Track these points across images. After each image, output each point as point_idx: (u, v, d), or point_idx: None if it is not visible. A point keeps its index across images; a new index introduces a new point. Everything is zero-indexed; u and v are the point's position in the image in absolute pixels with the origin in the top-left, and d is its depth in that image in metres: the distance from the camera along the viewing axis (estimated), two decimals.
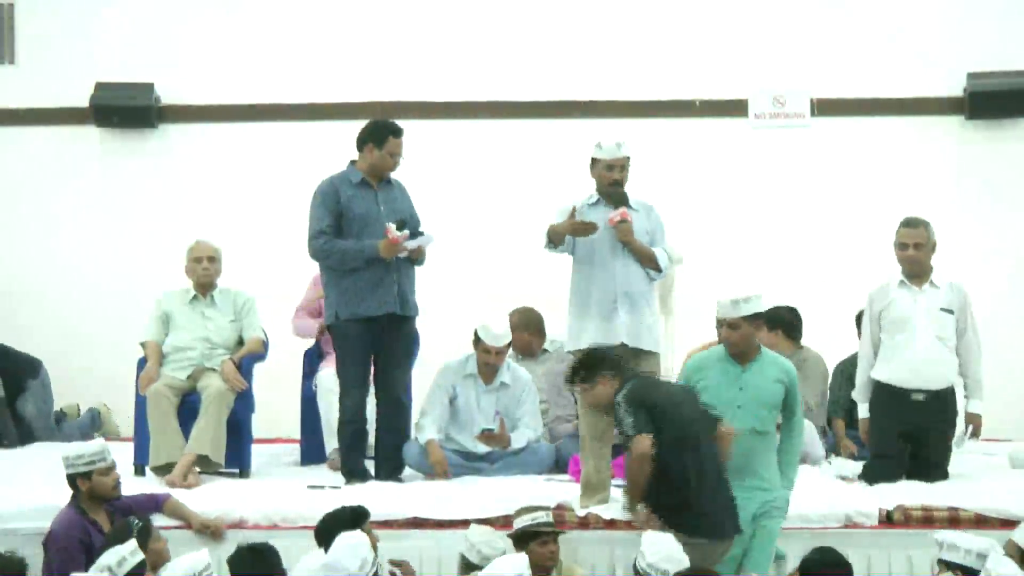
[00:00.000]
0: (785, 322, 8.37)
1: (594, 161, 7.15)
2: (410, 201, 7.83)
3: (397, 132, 7.72)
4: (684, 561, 5.67)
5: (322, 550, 6.02)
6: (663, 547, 5.73)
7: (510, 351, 8.19)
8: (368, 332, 7.64)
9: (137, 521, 6.28)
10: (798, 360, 8.25)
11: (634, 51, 10.06)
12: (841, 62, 10.03)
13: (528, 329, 8.48)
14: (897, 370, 7.54)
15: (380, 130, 7.72)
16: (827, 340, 8.83)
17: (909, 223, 7.69)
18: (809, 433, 8.06)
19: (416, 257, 7.68)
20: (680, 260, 8.51)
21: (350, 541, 5.83)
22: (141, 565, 5.87)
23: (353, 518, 6.39)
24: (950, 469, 7.63)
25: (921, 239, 7.61)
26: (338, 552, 5.77)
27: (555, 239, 7.08)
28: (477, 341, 7.91)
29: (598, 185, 7.16)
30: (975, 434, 7.65)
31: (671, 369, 8.51)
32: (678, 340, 8.95)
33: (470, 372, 7.98)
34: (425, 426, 7.84)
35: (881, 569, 6.75)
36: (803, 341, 8.54)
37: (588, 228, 7.00)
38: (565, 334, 7.29)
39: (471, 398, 7.95)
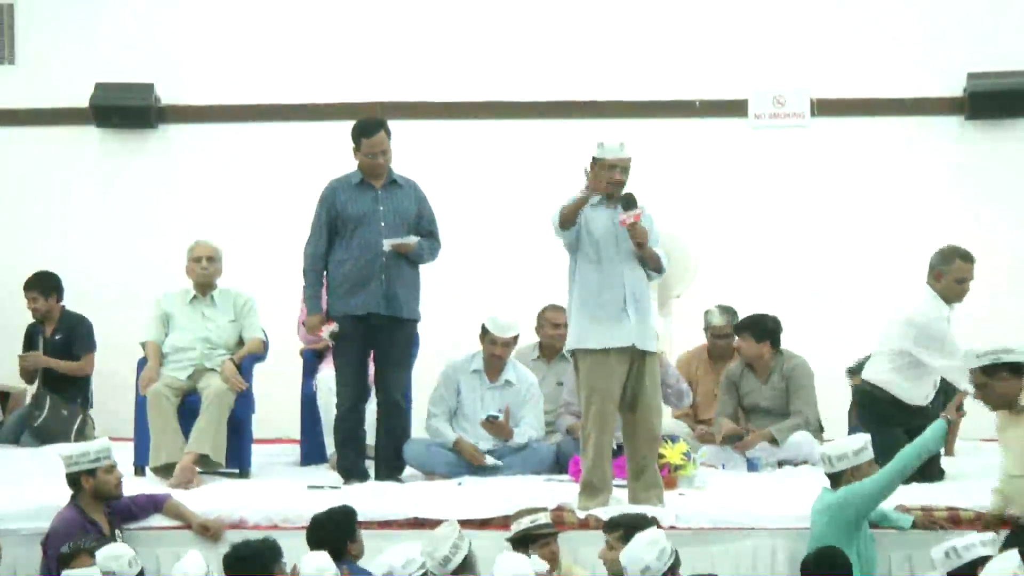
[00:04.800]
0: (772, 332, 8.37)
1: (595, 161, 7.02)
2: (417, 202, 7.76)
3: (368, 131, 7.65)
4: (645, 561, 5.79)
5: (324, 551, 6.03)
6: (633, 546, 5.84)
7: (537, 350, 8.39)
8: (361, 330, 7.65)
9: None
10: (788, 368, 8.27)
11: (634, 51, 10.06)
12: (841, 62, 10.03)
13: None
14: (920, 392, 7.56)
15: (353, 132, 7.70)
16: (826, 341, 8.84)
17: (969, 257, 7.54)
18: (808, 442, 8.08)
19: (405, 252, 7.65)
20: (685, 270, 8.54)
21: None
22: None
23: (343, 519, 6.40)
24: (951, 469, 7.65)
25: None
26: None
27: (570, 216, 6.88)
28: (484, 333, 7.92)
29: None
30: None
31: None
32: (677, 341, 8.95)
33: (475, 369, 7.99)
34: (440, 428, 7.86)
35: (882, 569, 6.73)
36: (797, 344, 8.51)
37: (610, 180, 6.90)
38: (569, 334, 7.17)
39: (475, 395, 7.97)
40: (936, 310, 7.49)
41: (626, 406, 7.04)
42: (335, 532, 6.34)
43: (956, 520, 6.80)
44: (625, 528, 6.19)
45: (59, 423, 8.95)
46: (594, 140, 7.12)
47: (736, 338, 8.39)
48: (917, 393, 7.54)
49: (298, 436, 8.55)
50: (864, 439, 6.57)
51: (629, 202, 6.90)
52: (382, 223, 7.61)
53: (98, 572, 5.79)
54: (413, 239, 7.63)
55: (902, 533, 6.77)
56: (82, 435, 8.87)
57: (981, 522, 6.73)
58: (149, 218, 10.15)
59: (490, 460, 7.76)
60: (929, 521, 6.79)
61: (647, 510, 6.71)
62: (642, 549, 5.84)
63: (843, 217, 9.91)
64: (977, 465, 7.88)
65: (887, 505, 6.72)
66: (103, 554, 5.91)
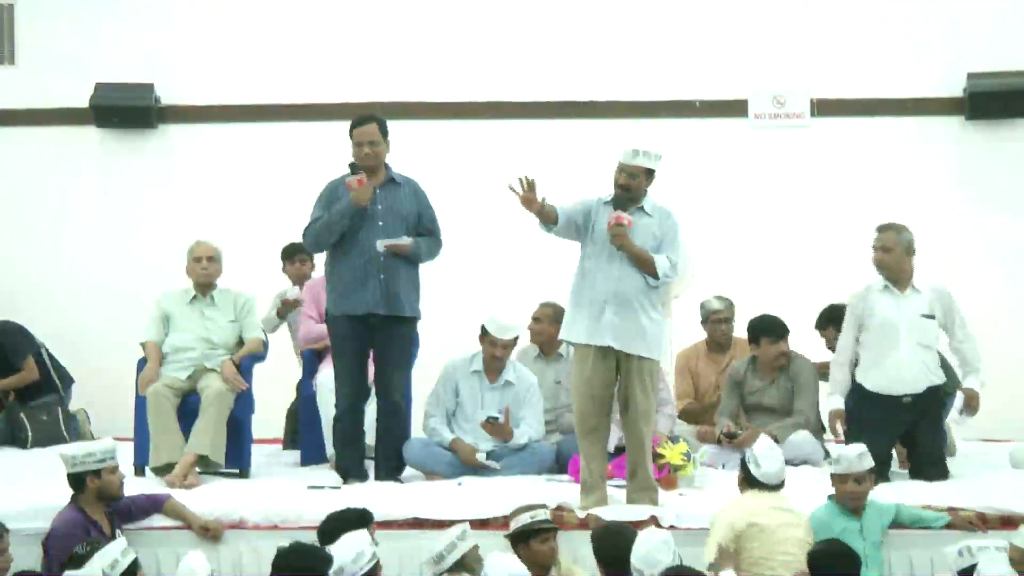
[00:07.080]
0: (788, 331, 8.38)
1: None
2: (416, 200, 7.76)
3: (357, 123, 7.67)
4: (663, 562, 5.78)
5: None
6: (645, 547, 5.84)
7: (537, 349, 8.34)
8: (359, 330, 7.64)
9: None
10: (795, 368, 8.27)
11: (634, 51, 10.07)
12: (841, 62, 10.04)
13: (558, 324, 8.33)
14: (882, 377, 7.55)
15: (349, 128, 7.73)
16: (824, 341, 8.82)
17: (879, 228, 7.67)
18: (809, 442, 8.08)
19: (403, 253, 7.66)
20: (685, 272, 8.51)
21: (352, 536, 5.91)
22: (134, 565, 5.88)
23: (358, 520, 6.40)
24: (950, 469, 7.64)
25: (890, 243, 7.59)
26: (338, 549, 5.84)
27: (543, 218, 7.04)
28: (484, 334, 7.91)
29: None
30: (970, 407, 7.56)
31: (667, 371, 8.51)
32: (675, 341, 8.94)
33: (475, 369, 7.98)
34: (438, 428, 7.86)
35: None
36: (797, 344, 8.50)
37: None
38: (563, 323, 7.28)
39: (475, 395, 7.96)
40: (856, 294, 7.76)
41: (622, 408, 7.08)
42: (343, 530, 6.32)
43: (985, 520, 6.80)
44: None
45: (45, 429, 8.92)
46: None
47: (782, 343, 8.34)
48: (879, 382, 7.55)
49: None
50: (864, 446, 6.57)
51: (616, 204, 7.03)
52: (380, 222, 7.61)
53: (99, 572, 5.79)
54: (407, 240, 7.62)
55: (903, 534, 6.76)
56: (76, 430, 8.86)
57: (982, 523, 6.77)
58: (149, 218, 10.16)
59: (485, 459, 7.76)
60: (966, 522, 6.76)
61: (641, 511, 6.75)
62: (658, 550, 5.83)
63: (843, 217, 9.90)
64: (977, 465, 7.90)
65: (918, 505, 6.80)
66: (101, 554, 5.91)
